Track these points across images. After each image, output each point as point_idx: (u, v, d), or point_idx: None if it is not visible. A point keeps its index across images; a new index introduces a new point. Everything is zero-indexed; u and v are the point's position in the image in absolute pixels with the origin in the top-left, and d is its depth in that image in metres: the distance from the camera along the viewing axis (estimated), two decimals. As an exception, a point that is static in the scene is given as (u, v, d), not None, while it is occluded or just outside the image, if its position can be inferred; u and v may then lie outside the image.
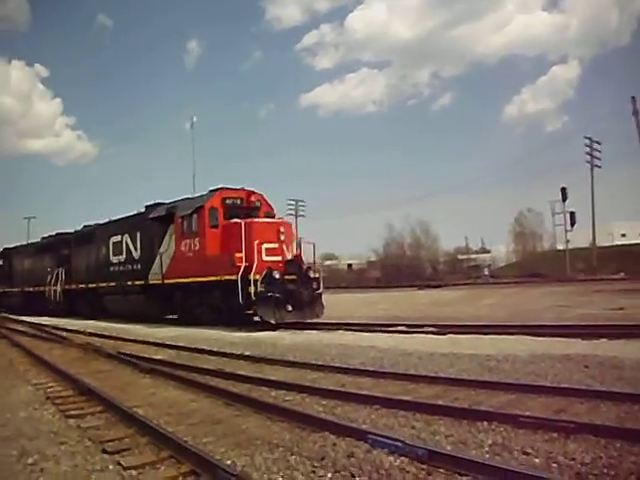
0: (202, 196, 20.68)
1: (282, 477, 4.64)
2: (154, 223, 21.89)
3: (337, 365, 9.77)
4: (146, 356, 11.81)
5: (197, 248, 19.38)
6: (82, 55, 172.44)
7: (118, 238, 24.50)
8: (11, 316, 30.19)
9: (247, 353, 11.72)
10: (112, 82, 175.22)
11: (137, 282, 22.62)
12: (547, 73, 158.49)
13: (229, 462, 4.93)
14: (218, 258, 18.49)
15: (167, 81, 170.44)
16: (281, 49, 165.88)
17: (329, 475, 4.61)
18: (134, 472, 4.93)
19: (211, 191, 20.39)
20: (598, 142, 56.78)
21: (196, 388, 8.38)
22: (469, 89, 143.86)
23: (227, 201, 19.85)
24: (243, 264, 17.28)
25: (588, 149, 56.46)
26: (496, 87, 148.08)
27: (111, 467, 5.11)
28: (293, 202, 77.77)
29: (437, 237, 74.82)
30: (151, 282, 21.75)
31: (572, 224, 53.98)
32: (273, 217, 20.42)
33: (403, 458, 4.80)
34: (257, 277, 17.07)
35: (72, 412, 7.34)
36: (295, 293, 17.81)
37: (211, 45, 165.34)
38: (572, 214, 53.65)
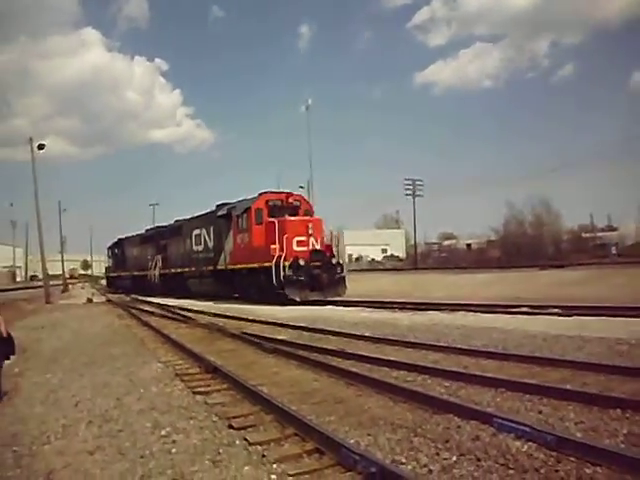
0: (252, 199, 25.01)
1: (406, 458, 4.64)
2: (221, 220, 26.68)
3: (459, 346, 9.63)
4: (269, 336, 12.07)
5: (247, 241, 24.30)
6: (198, 47, 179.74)
7: (198, 231, 29.58)
8: (140, 297, 32.17)
9: (367, 334, 11.75)
10: (227, 71, 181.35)
11: (209, 267, 27.73)
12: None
13: (352, 441, 4.98)
14: (261, 249, 22.90)
15: (281, 66, 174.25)
16: (393, 28, 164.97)
17: (454, 458, 4.56)
18: (259, 448, 5.08)
19: (260, 194, 24.82)
20: None
21: (318, 368, 8.52)
22: (592, 57, 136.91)
23: (270, 202, 24.35)
24: (277, 254, 21.66)
25: None
26: (623, 52, 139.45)
27: (237, 442, 5.31)
28: (410, 181, 77.30)
29: (559, 215, 71.80)
30: (219, 268, 26.77)
31: None
32: (311, 215, 24.91)
33: (530, 443, 4.68)
34: (286, 264, 21.44)
35: (199, 389, 7.66)
36: (318, 277, 22.03)
37: (322, 27, 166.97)
38: None
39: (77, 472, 4.90)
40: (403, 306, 18.03)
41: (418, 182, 77.99)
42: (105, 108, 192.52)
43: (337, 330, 12.48)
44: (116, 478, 4.69)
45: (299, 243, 22.42)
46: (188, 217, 32.65)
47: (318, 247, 22.93)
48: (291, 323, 14.40)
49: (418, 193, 77.61)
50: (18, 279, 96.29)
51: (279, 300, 21.31)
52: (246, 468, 4.64)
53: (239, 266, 24.71)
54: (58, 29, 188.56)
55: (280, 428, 5.56)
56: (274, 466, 4.62)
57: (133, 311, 22.49)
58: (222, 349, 11.27)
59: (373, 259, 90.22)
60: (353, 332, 12.09)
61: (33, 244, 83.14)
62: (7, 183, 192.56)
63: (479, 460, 4.46)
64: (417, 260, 75.84)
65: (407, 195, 77.69)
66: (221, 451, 5.09)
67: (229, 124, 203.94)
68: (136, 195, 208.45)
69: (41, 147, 34.50)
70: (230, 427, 5.75)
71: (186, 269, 30.89)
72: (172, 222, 36.05)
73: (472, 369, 7.84)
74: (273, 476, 4.44)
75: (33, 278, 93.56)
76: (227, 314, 17.88)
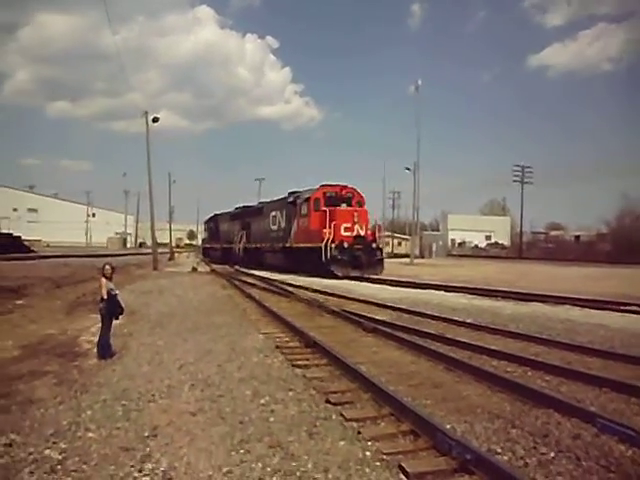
0: (313, 189, 29.66)
1: (502, 448, 4.60)
2: (290, 205, 31.47)
3: (562, 341, 9.34)
4: (368, 315, 12.11)
5: (306, 225, 29.03)
6: (309, 25, 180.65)
7: (274, 213, 34.43)
8: (242, 269, 33.19)
9: (469, 320, 11.60)
10: (336, 49, 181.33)
11: (280, 245, 32.42)
12: None
13: (449, 426, 4.97)
14: (316, 232, 27.45)
15: (391, 45, 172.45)
16: (507, 7, 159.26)
17: (552, 454, 4.47)
18: (355, 424, 5.17)
19: (320, 186, 29.34)
20: None
21: (417, 351, 8.51)
22: None
23: (327, 194, 28.79)
24: (327, 237, 26.44)
25: None
26: None
27: (334, 417, 5.43)
28: (519, 168, 75.34)
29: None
30: (286, 245, 31.41)
31: None
32: (362, 206, 29.23)
33: (635, 449, 4.51)
34: (332, 246, 26.32)
35: (299, 362, 7.85)
36: (359, 257, 26.76)
37: (434, 6, 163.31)
38: None
39: (180, 431, 5.14)
40: (506, 295, 17.64)
41: (527, 169, 76.01)
42: (216, 84, 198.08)
43: (437, 314, 12.40)
44: (216, 440, 4.89)
45: (346, 229, 26.98)
46: (268, 200, 38.82)
47: (362, 233, 27.46)
48: (390, 304, 14.42)
49: (527, 180, 75.70)
50: (128, 245, 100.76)
51: (327, 274, 26.09)
52: (341, 443, 4.73)
53: (300, 245, 29.52)
54: (174, 8, 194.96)
55: (377, 407, 5.63)
56: (369, 443, 4.70)
57: (236, 282, 23.13)
58: (322, 325, 11.44)
59: (476, 245, 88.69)
60: (454, 317, 11.96)
61: (143, 212, 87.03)
62: (122, 154, 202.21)
63: (579, 459, 4.35)
64: (522, 249, 73.99)
65: (515, 182, 75.89)
66: (317, 424, 5.21)
67: (336, 102, 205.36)
68: (242, 169, 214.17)
69: (155, 120, 35.91)
70: (327, 402, 5.87)
71: (263, 244, 35.80)
72: (256, 203, 42.93)
73: (575, 365, 7.60)
74: (368, 453, 4.51)
75: (142, 245, 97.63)
76: (327, 291, 18.11)
